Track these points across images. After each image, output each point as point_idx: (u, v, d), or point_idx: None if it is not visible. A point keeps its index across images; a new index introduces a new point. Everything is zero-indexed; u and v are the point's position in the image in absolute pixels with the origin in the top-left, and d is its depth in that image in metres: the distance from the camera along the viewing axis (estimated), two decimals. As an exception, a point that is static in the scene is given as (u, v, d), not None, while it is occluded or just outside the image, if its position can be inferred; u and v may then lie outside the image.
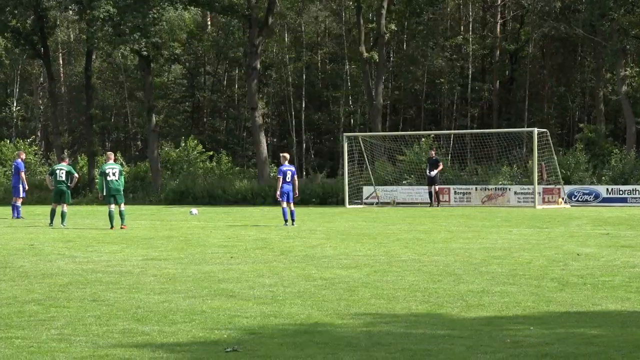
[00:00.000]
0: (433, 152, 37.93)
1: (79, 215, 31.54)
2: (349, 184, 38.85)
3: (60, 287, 11.05)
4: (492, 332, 7.94)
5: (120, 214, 22.72)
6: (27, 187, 29.97)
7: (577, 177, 39.29)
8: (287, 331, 8.06)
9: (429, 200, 36.98)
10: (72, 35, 67.13)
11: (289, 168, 23.48)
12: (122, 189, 22.87)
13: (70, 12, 57.36)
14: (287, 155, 23.97)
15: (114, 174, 22.72)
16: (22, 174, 29.55)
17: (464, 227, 22.32)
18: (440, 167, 36.74)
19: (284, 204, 23.33)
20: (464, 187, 38.68)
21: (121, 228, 22.34)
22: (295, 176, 23.58)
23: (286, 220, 23.29)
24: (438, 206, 36.15)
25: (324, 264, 13.50)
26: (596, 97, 49.50)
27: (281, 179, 23.18)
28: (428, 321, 8.51)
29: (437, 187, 36.82)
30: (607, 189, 36.64)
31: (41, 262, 14.16)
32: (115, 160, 23.30)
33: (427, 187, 37.39)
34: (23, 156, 30.66)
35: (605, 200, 36.09)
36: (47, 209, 28.64)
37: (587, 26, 45.89)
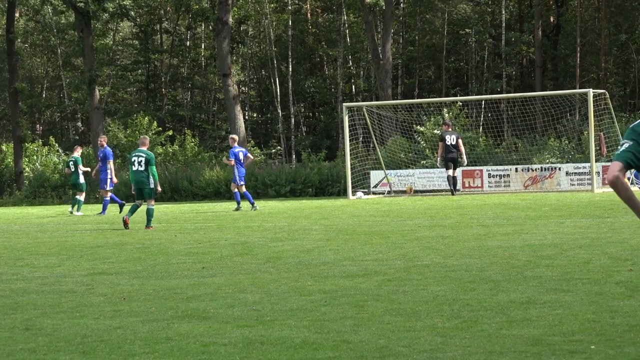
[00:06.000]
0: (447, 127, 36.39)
1: (4, 219, 31.51)
2: (352, 169, 38.83)
3: (-17, 313, 11.04)
4: (542, 353, 7.95)
5: (148, 211, 23.63)
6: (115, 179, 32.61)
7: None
8: (277, 361, 8.07)
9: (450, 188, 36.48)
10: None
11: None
12: (147, 180, 23.48)
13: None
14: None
15: (139, 163, 23.50)
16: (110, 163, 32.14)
17: (502, 220, 22.36)
18: (462, 149, 35.77)
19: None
20: (500, 167, 38.70)
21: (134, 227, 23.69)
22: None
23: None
24: (453, 194, 35.62)
25: (322, 273, 13.51)
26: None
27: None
28: (458, 342, 8.52)
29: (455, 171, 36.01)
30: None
31: (-43, 281, 14.15)
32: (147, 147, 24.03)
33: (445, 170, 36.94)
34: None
35: (683, 179, 36.14)
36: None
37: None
